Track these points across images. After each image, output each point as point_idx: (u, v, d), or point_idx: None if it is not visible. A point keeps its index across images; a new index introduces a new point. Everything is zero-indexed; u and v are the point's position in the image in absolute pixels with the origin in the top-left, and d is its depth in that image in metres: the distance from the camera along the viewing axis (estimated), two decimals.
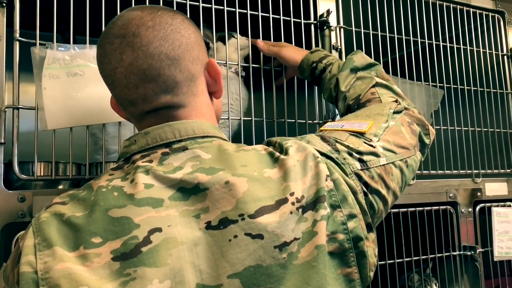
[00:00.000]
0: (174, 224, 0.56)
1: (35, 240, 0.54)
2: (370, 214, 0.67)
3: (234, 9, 1.07)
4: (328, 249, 0.59)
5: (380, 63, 1.24)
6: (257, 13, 1.10)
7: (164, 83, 0.64)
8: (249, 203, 0.57)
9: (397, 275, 1.22)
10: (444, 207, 1.32)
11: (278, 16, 1.13)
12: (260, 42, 1.11)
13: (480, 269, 1.31)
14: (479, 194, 1.37)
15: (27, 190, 0.82)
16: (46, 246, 0.53)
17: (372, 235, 0.67)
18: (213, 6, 1.04)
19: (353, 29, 1.24)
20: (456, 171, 1.36)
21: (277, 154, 0.64)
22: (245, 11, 1.09)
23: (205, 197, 0.58)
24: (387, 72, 1.26)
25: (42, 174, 0.88)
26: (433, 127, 1.31)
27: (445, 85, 1.37)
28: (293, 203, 0.59)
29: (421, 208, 1.29)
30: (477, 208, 1.36)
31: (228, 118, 1.05)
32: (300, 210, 0.59)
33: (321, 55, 1.03)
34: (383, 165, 0.71)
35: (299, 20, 1.17)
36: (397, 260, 1.23)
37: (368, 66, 0.95)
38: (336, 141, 0.69)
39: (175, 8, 0.90)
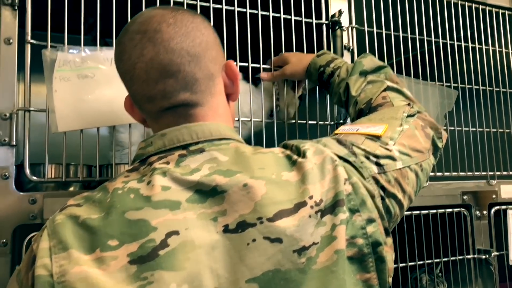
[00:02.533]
0: (191, 227, 0.55)
1: (50, 242, 0.54)
2: (387, 219, 0.66)
3: (244, 10, 1.06)
4: (348, 254, 0.58)
5: (393, 63, 1.24)
6: (268, 13, 1.09)
7: (183, 80, 0.63)
8: (267, 206, 0.56)
9: (409, 278, 1.21)
10: (458, 209, 1.29)
11: (290, 17, 1.12)
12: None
13: (494, 272, 1.29)
14: (494, 196, 1.35)
15: (38, 192, 0.82)
16: (62, 249, 0.53)
17: (390, 240, 0.66)
18: (224, 7, 1.03)
19: (366, 29, 1.22)
20: (471, 173, 1.34)
21: (295, 157, 0.63)
22: (256, 11, 1.08)
23: (223, 200, 0.57)
24: (400, 72, 1.25)
25: (53, 176, 0.89)
26: (447, 128, 1.32)
27: (460, 85, 1.35)
28: (312, 207, 0.58)
29: (434, 211, 1.27)
30: (492, 210, 1.33)
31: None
32: (319, 214, 0.58)
33: (328, 58, 1.02)
34: (400, 169, 0.69)
35: (311, 20, 1.15)
36: (409, 264, 1.22)
37: (378, 69, 0.93)
38: (353, 145, 0.68)
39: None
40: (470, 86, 1.36)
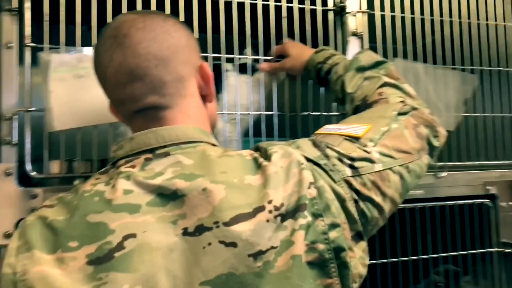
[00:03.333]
0: (149, 230, 0.57)
1: (19, 242, 0.58)
2: (362, 223, 0.64)
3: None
4: (307, 259, 0.58)
5: (407, 49, 1.18)
6: (268, 2, 1.07)
7: (151, 83, 0.65)
8: (225, 210, 0.57)
9: (421, 271, 1.17)
10: (481, 200, 1.23)
11: (292, 4, 1.10)
12: (264, 65, 1.09)
13: None
14: None
15: (38, 188, 0.87)
16: (27, 249, 0.56)
17: (363, 244, 0.65)
18: None
19: (377, 12, 1.17)
20: (495, 162, 1.26)
21: (261, 160, 0.63)
22: (255, 1, 1.06)
23: (183, 204, 0.58)
24: (416, 58, 1.19)
25: (57, 172, 0.94)
26: (468, 115, 1.23)
27: (483, 67, 1.26)
28: (270, 211, 0.58)
29: (453, 202, 1.21)
30: None
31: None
32: (279, 218, 0.58)
33: (326, 54, 0.99)
34: (379, 171, 0.67)
35: (316, 7, 1.12)
36: (422, 256, 1.17)
37: (376, 65, 0.90)
38: (328, 147, 0.67)
39: None
40: (495, 68, 1.27)
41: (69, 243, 0.56)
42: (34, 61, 0.90)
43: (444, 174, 1.20)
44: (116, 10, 0.92)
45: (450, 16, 1.24)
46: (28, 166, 0.88)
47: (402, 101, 0.80)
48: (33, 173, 0.88)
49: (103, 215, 0.57)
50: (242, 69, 1.07)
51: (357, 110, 0.87)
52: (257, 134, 1.08)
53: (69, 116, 0.88)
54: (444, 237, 1.20)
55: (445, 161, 1.20)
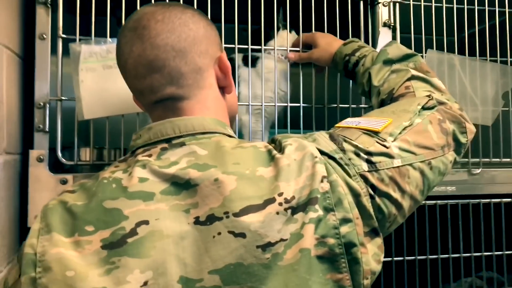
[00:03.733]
0: (162, 217, 0.58)
1: (40, 224, 0.60)
2: (379, 219, 0.63)
3: None
4: (316, 253, 0.57)
5: (444, 42, 1.14)
6: None
7: (169, 74, 0.66)
8: (235, 201, 0.58)
9: (451, 271, 1.13)
10: None
11: None
12: (291, 55, 1.09)
13: None
14: None
15: (69, 174, 0.91)
16: (47, 231, 0.59)
17: (378, 241, 0.63)
18: None
19: (411, 2, 1.13)
20: None
21: (274, 152, 0.63)
22: None
23: (196, 193, 0.59)
24: (452, 51, 1.14)
25: (87, 159, 0.97)
26: (509, 109, 1.17)
27: None
28: (280, 204, 0.58)
29: (487, 200, 1.16)
30: None
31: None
32: (289, 211, 0.58)
33: (355, 47, 0.97)
34: (398, 167, 0.66)
35: None
36: (453, 255, 1.14)
37: (405, 58, 0.87)
38: (345, 140, 0.66)
39: None
40: None
41: (85, 227, 0.58)
42: (66, 51, 0.93)
43: (478, 170, 1.15)
44: (145, 2, 0.94)
45: (491, 5, 1.18)
46: (59, 153, 0.92)
47: (428, 95, 0.78)
48: (64, 160, 0.92)
49: (118, 201, 0.59)
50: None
51: (383, 103, 0.85)
52: (284, 126, 1.07)
53: (98, 105, 0.91)
54: (479, 236, 1.16)
55: (481, 157, 1.15)
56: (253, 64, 1.08)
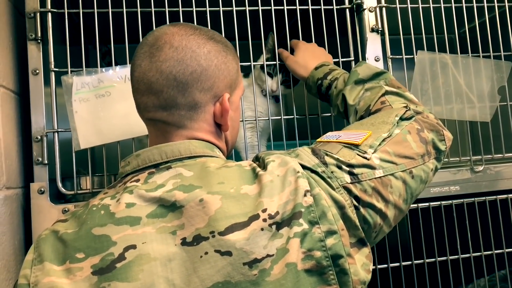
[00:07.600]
0: (149, 240, 0.59)
1: (33, 255, 0.62)
2: (365, 229, 0.64)
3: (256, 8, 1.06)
4: (304, 267, 0.58)
5: (435, 42, 1.14)
6: (282, 7, 1.08)
7: (164, 100, 0.67)
8: (220, 220, 0.58)
9: (462, 272, 1.11)
10: None
11: (307, 7, 1.09)
12: (281, 50, 1.11)
13: None
14: None
15: (70, 203, 0.93)
16: (40, 261, 0.60)
17: (366, 250, 0.64)
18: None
19: (397, 6, 1.14)
20: None
21: (258, 169, 0.64)
22: (269, 8, 1.07)
23: (181, 214, 0.60)
24: (442, 50, 1.14)
25: (87, 187, 0.99)
26: (507, 103, 1.15)
27: None
28: (264, 220, 0.59)
29: (493, 197, 1.14)
30: None
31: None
32: (274, 226, 0.59)
33: (326, 70, 0.99)
34: (380, 177, 0.67)
35: (331, 7, 1.11)
36: (462, 256, 1.12)
37: (376, 76, 0.90)
38: (326, 154, 0.67)
39: None
40: None
41: (76, 254, 0.59)
42: (59, 83, 0.95)
43: (481, 168, 1.14)
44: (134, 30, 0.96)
45: (479, 1, 1.18)
46: (60, 183, 0.94)
47: (405, 107, 0.80)
48: (64, 190, 0.94)
49: (106, 228, 0.60)
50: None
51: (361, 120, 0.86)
52: (280, 139, 1.08)
53: (93, 134, 0.93)
54: (488, 234, 1.14)
55: (482, 154, 1.14)
56: None
